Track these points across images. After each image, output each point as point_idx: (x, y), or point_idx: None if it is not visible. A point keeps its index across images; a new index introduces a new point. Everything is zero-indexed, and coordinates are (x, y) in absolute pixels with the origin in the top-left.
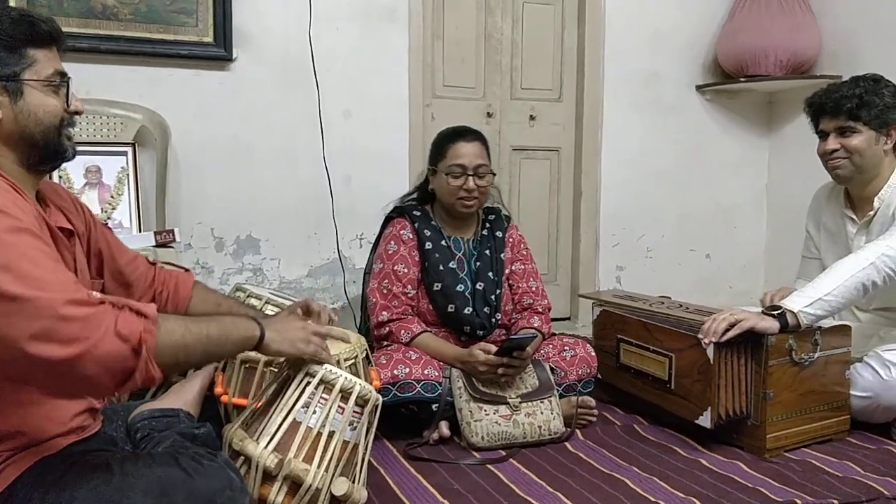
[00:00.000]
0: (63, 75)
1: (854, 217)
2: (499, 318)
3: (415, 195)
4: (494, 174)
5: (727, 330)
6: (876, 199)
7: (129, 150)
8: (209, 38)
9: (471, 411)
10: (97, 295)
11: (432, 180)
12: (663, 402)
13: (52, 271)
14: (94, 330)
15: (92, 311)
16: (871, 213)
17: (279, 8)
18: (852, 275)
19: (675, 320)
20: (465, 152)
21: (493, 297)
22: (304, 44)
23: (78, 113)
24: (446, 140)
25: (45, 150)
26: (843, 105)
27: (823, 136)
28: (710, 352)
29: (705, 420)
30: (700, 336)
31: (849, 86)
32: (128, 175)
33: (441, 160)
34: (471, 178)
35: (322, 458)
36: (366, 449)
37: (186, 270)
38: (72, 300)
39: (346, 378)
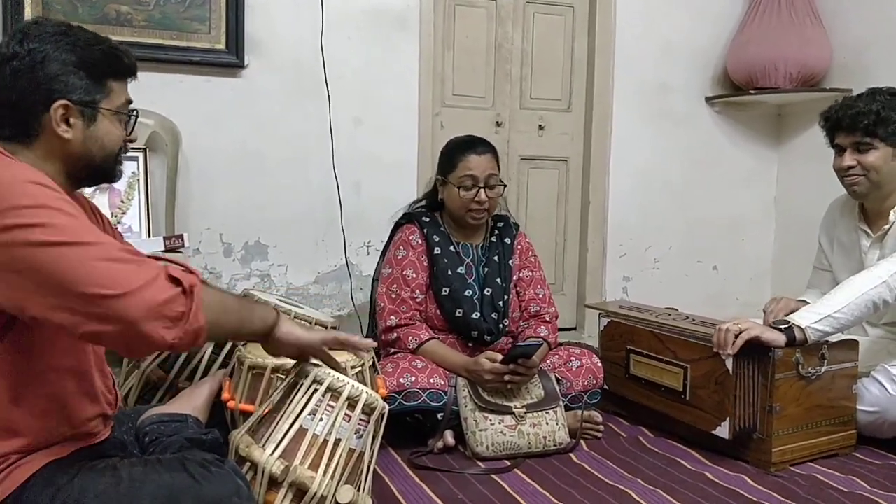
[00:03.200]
0: (130, 104)
1: (868, 231)
2: (506, 323)
3: (423, 202)
4: (505, 185)
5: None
6: (892, 213)
7: (140, 155)
8: (221, 45)
9: (476, 421)
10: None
11: (442, 190)
12: (677, 413)
13: (100, 232)
14: (146, 272)
15: (143, 258)
16: (887, 227)
17: (291, 16)
18: (864, 293)
19: (686, 332)
20: (477, 164)
21: (500, 302)
22: (315, 51)
23: (132, 141)
24: (457, 151)
25: (99, 172)
26: (860, 121)
27: (839, 150)
28: (730, 363)
29: (723, 431)
30: (716, 349)
31: (866, 100)
32: (138, 180)
33: (452, 171)
34: (482, 189)
35: (328, 465)
36: (371, 457)
37: (192, 272)
38: (124, 248)
39: (353, 386)
